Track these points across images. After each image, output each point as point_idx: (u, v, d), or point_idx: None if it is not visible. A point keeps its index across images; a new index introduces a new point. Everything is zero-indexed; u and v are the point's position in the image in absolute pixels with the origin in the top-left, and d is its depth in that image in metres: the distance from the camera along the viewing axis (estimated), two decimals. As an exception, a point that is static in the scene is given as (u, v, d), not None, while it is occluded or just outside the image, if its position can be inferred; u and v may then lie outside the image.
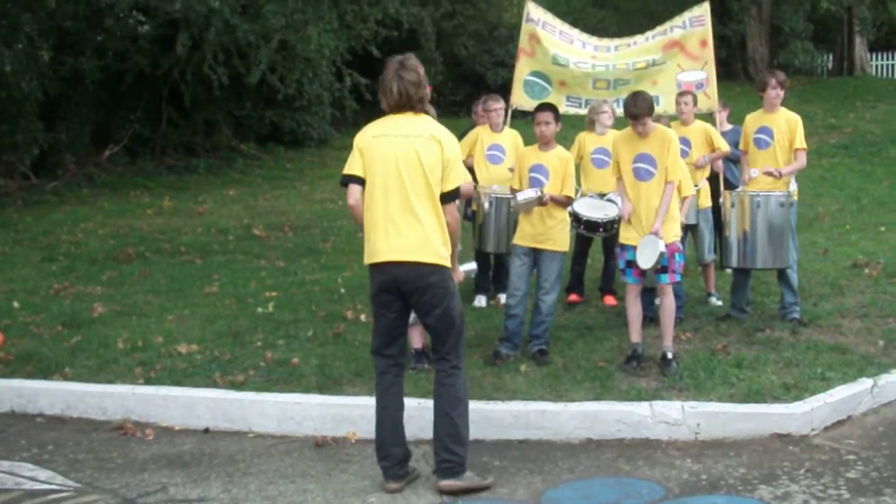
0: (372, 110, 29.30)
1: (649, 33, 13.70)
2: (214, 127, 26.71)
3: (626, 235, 10.00)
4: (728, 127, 13.42)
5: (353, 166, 7.52)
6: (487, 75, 31.28)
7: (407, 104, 7.44)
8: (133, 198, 21.73)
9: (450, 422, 7.41)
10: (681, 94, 12.31)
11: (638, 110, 9.67)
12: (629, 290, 10.03)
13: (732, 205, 11.04)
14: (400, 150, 7.32)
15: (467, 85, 31.97)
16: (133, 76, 23.94)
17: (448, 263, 7.43)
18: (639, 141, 9.83)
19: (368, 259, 7.48)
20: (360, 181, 7.46)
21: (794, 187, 11.39)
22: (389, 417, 7.58)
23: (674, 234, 9.83)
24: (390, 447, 7.54)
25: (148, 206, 20.68)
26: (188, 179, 24.04)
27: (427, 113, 7.65)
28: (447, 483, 7.38)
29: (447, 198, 7.37)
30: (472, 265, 9.23)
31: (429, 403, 8.07)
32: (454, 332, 7.46)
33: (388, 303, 7.48)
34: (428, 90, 7.62)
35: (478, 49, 32.02)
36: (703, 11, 13.30)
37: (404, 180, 7.29)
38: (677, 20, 13.49)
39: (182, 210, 20.45)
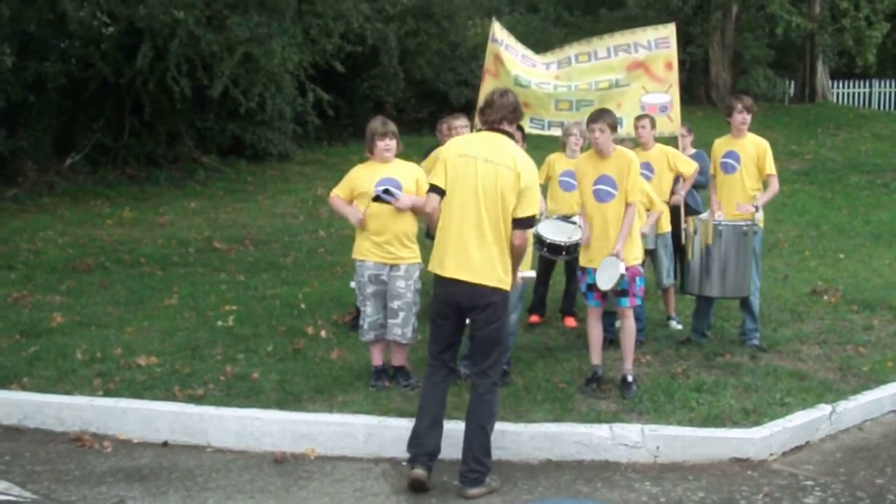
0: (335, 126, 29.60)
1: (611, 44, 13.50)
2: (177, 138, 26.54)
3: (586, 258, 10.03)
4: (692, 151, 13.41)
5: (436, 177, 7.99)
6: (451, 93, 31.36)
7: (499, 120, 7.97)
8: (94, 207, 21.60)
9: (484, 434, 7.80)
10: (638, 117, 12.28)
11: (598, 115, 9.88)
12: (590, 312, 10.06)
13: (695, 231, 11.08)
14: (481, 174, 7.77)
15: (430, 103, 31.99)
16: (96, 84, 23.78)
17: (508, 287, 7.87)
18: (600, 162, 9.87)
19: (436, 269, 7.89)
20: (441, 192, 7.91)
21: (760, 215, 11.42)
22: (431, 412, 7.93)
23: (634, 256, 9.86)
24: (424, 438, 7.85)
25: (108, 216, 20.58)
26: (149, 190, 23.91)
27: (513, 138, 8.07)
28: (476, 491, 7.73)
29: (519, 223, 7.81)
30: (530, 273, 9.54)
31: (390, 422, 8.19)
32: (499, 349, 7.89)
33: (445, 314, 7.93)
34: (516, 124, 8.29)
35: (441, 67, 32.07)
36: (669, 33, 13.27)
37: (480, 205, 7.74)
38: (641, 38, 13.40)
39: (143, 221, 20.34)
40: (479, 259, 7.69)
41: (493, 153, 7.81)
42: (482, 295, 7.70)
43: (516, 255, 7.93)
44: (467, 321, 8.02)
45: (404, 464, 8.16)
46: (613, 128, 9.89)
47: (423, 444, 7.81)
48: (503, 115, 7.97)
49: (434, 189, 7.97)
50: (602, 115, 9.88)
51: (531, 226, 7.98)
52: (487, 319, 7.77)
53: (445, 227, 7.85)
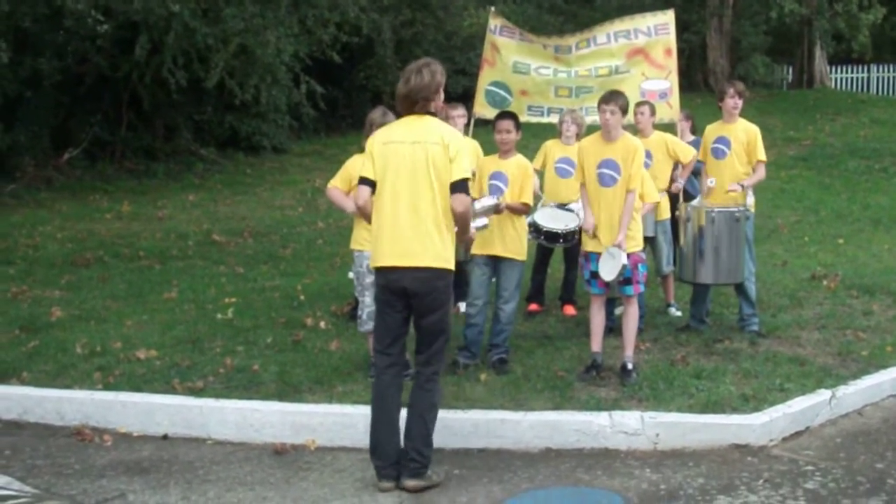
0: (333, 117, 29.55)
1: (611, 31, 13.48)
2: (174, 131, 26.53)
3: (588, 243, 10.02)
4: (690, 138, 13.38)
5: (364, 169, 7.80)
6: (448, 83, 31.22)
7: (413, 103, 7.72)
8: (92, 202, 21.60)
9: (423, 424, 7.67)
10: (637, 104, 12.23)
11: (611, 96, 9.88)
12: (594, 300, 10.05)
13: (688, 219, 11.07)
14: (409, 156, 7.61)
15: (427, 92, 31.94)
16: (93, 78, 23.79)
17: (452, 266, 7.71)
18: (605, 146, 9.86)
19: (376, 262, 7.74)
20: (371, 183, 7.73)
21: (751, 200, 11.41)
22: (386, 418, 7.76)
23: (635, 244, 9.86)
24: (385, 447, 7.71)
25: (107, 211, 20.56)
26: (148, 184, 23.92)
27: (434, 115, 7.86)
28: (413, 483, 7.61)
29: (455, 187, 7.57)
30: (483, 220, 9.31)
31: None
32: (442, 338, 7.75)
33: (391, 302, 7.73)
34: (439, 99, 7.96)
35: (438, 57, 31.94)
36: (668, 19, 13.23)
37: (413, 187, 7.58)
38: (641, 24, 13.37)
39: (141, 215, 20.34)
40: (418, 242, 7.53)
41: (418, 134, 7.65)
42: (424, 279, 7.54)
43: (460, 223, 7.71)
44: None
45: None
46: (624, 111, 9.92)
47: (387, 455, 7.69)
48: (412, 101, 7.73)
49: (363, 181, 7.78)
50: (614, 97, 9.88)
51: (467, 190, 7.67)
52: (430, 306, 7.61)
53: (379, 217, 7.69)
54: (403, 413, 7.89)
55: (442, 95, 7.95)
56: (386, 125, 8.19)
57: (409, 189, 7.56)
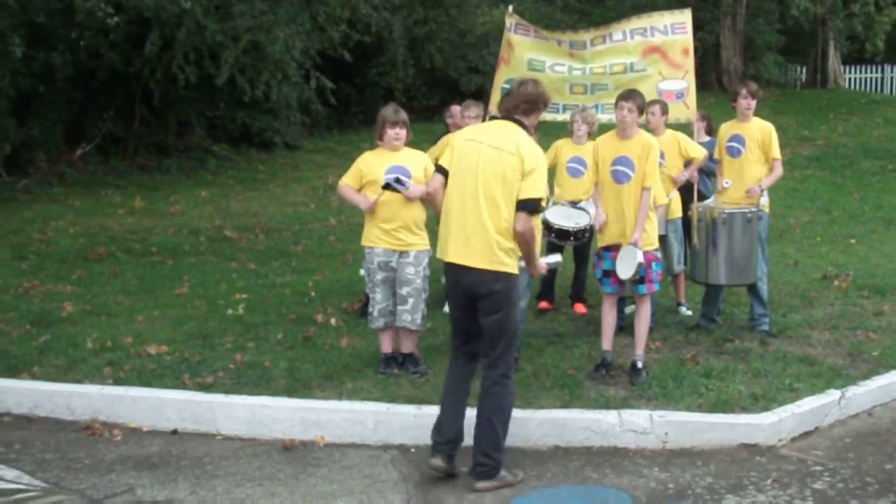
0: (344, 114, 29.55)
1: (626, 28, 13.33)
2: (187, 127, 26.54)
3: (602, 239, 10.02)
4: (706, 138, 13.31)
5: (443, 158, 8.00)
6: (461, 81, 31.29)
7: (517, 104, 7.88)
8: (104, 197, 21.60)
9: (491, 428, 7.71)
10: (649, 103, 12.15)
11: (629, 94, 9.97)
12: (606, 298, 10.04)
13: (700, 219, 11.07)
14: (483, 158, 7.68)
15: (441, 90, 31.89)
16: (106, 74, 23.75)
17: (514, 270, 7.72)
18: (620, 143, 9.88)
19: (441, 255, 7.88)
20: (445, 173, 7.88)
21: (765, 200, 11.40)
22: (451, 400, 7.90)
23: (650, 242, 9.85)
24: (446, 425, 7.81)
25: (119, 206, 20.57)
26: (160, 179, 23.91)
27: (524, 128, 7.89)
28: (483, 484, 7.66)
29: (521, 206, 7.60)
30: (556, 257, 9.12)
31: (398, 409, 8.28)
32: (505, 339, 7.73)
33: (456, 303, 7.92)
34: (535, 118, 8.05)
35: (451, 55, 32.04)
36: (686, 19, 13.09)
37: (480, 188, 7.64)
38: (658, 22, 13.23)
39: (154, 210, 20.35)
40: (479, 243, 7.58)
41: (498, 139, 7.71)
42: (483, 281, 7.58)
43: (521, 243, 7.67)
44: None
45: (412, 450, 8.25)
46: (641, 110, 9.95)
47: (441, 433, 7.77)
48: (516, 103, 7.86)
49: (438, 169, 7.97)
50: (633, 95, 9.93)
51: (534, 211, 7.74)
52: (490, 308, 7.63)
53: (447, 211, 7.80)
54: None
55: (538, 117, 8.10)
56: (476, 124, 8.32)
57: (477, 191, 7.63)
